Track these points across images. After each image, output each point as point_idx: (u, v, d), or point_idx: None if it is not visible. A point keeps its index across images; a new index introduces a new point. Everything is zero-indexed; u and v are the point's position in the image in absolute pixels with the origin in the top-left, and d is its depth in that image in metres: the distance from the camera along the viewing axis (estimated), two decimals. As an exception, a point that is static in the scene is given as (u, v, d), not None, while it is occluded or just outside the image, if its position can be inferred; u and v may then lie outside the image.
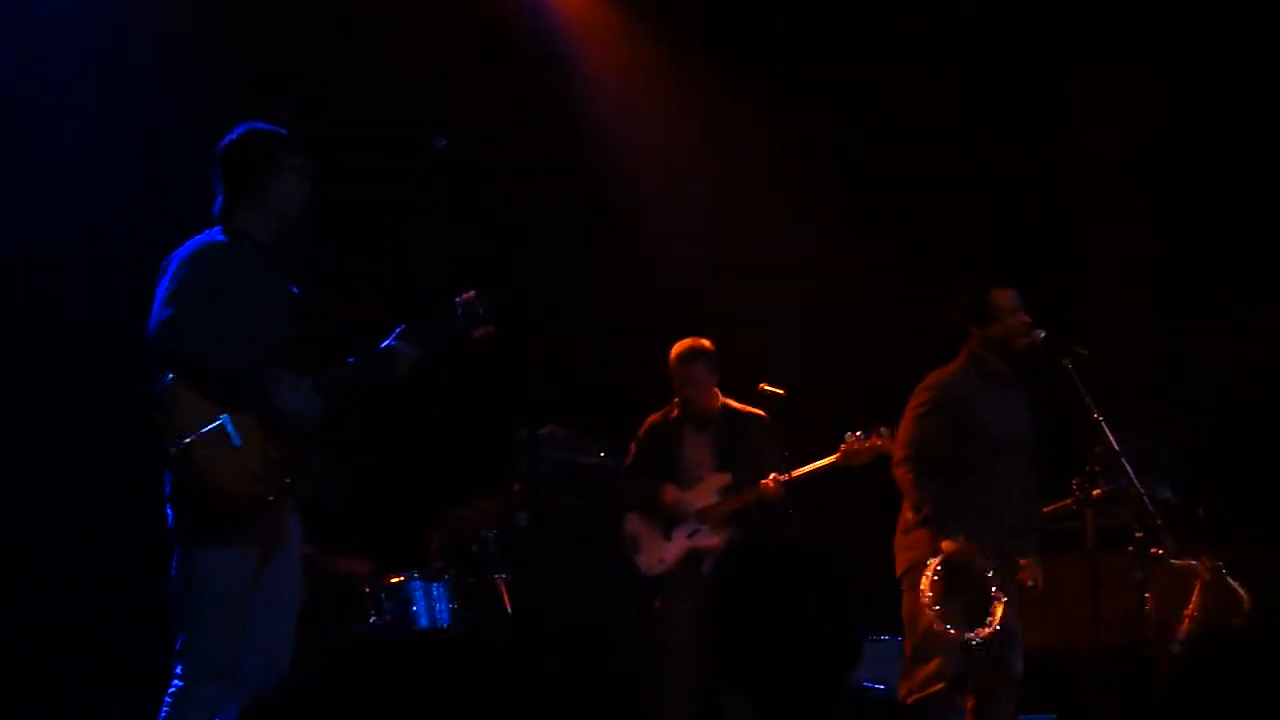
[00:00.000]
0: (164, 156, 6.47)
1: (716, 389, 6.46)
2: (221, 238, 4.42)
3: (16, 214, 6.56)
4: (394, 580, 6.13)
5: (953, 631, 5.39)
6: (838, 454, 6.15)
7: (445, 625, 6.09)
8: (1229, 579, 5.37)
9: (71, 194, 6.60)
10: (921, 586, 5.45)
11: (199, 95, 6.62)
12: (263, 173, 4.45)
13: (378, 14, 7.35)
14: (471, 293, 4.69)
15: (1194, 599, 5.43)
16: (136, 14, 6.88)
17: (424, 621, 6.07)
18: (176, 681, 4.25)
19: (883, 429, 6.07)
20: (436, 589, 6.13)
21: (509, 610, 6.32)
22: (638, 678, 6.53)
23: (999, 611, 5.38)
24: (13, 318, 6.52)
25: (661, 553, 6.35)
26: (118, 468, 5.78)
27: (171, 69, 6.82)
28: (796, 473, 6.16)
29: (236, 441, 4.15)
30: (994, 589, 5.39)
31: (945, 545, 5.45)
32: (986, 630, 5.38)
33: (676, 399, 6.49)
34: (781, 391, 6.29)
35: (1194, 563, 5.37)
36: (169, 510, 4.29)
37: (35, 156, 6.66)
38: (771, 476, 6.19)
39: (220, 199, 4.48)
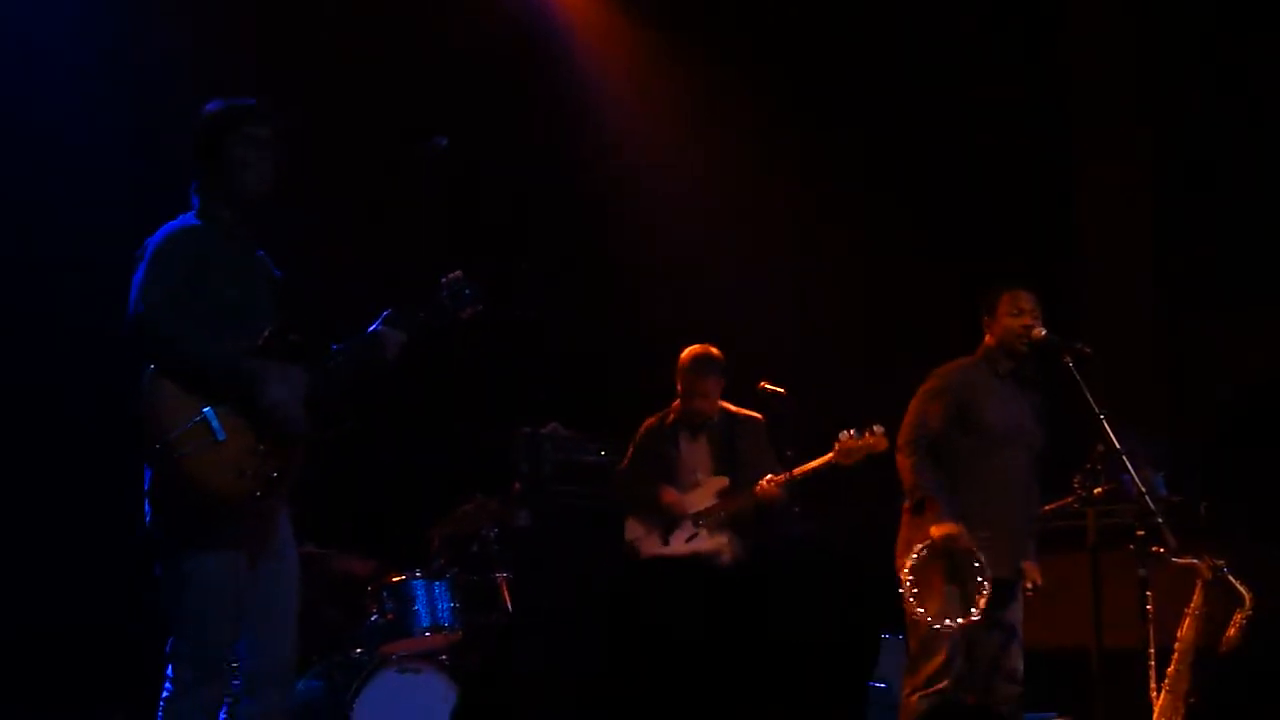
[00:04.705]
0: (163, 155, 6.46)
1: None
2: (195, 221, 4.25)
3: (16, 213, 6.55)
4: (396, 579, 6.12)
5: (928, 617, 5.42)
6: (832, 453, 6.13)
7: (446, 624, 6.09)
8: (1230, 577, 5.36)
9: (73, 193, 6.58)
10: (904, 571, 5.48)
11: (199, 95, 6.61)
12: (212, 145, 4.26)
13: (379, 14, 7.35)
14: (458, 273, 4.54)
15: (1195, 597, 5.43)
16: (136, 12, 6.88)
17: (425, 621, 6.07)
18: (168, 685, 4.14)
19: (877, 427, 6.07)
20: (438, 588, 6.11)
21: (509, 609, 6.32)
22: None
23: (983, 601, 5.38)
24: (12, 317, 6.51)
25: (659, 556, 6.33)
26: (117, 467, 5.77)
27: (170, 69, 6.82)
28: (792, 474, 6.15)
29: (220, 435, 4.00)
30: (980, 578, 5.39)
31: (935, 530, 5.47)
32: (968, 618, 5.39)
33: (676, 403, 6.44)
34: (782, 390, 6.28)
35: (1195, 561, 5.36)
36: (147, 507, 4.14)
37: (40, 157, 6.64)
38: (768, 478, 6.18)
39: (193, 180, 4.31)
